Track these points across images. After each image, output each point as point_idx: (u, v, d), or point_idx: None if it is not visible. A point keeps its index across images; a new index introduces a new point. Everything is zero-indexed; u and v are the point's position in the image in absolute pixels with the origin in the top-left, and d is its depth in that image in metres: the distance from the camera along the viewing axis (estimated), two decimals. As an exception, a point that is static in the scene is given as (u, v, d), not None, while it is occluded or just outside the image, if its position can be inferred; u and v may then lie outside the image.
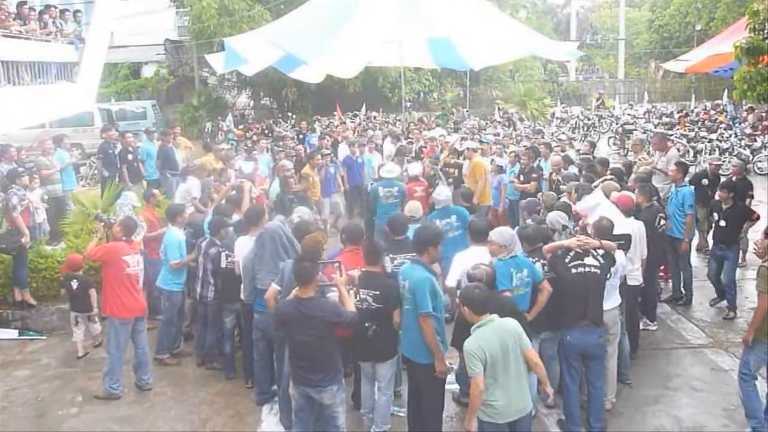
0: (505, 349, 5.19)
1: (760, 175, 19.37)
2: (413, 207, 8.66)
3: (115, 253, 7.52)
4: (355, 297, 6.16)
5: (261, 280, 6.94)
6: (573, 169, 11.16)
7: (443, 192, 9.52)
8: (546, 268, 6.72)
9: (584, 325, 6.37)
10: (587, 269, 6.40)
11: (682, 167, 10.09)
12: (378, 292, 6.18)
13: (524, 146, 13.74)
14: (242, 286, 7.28)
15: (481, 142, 15.27)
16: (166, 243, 8.35)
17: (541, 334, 6.73)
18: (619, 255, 6.79)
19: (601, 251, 6.48)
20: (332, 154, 14.49)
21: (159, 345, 8.36)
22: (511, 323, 5.34)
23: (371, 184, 11.71)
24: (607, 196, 8.01)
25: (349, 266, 6.48)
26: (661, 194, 10.34)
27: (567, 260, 6.47)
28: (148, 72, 35.00)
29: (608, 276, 6.60)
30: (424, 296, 5.79)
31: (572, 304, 6.43)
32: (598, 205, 7.48)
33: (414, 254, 6.49)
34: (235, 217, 8.43)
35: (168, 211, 8.84)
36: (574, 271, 6.42)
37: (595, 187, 8.48)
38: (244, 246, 7.39)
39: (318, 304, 5.61)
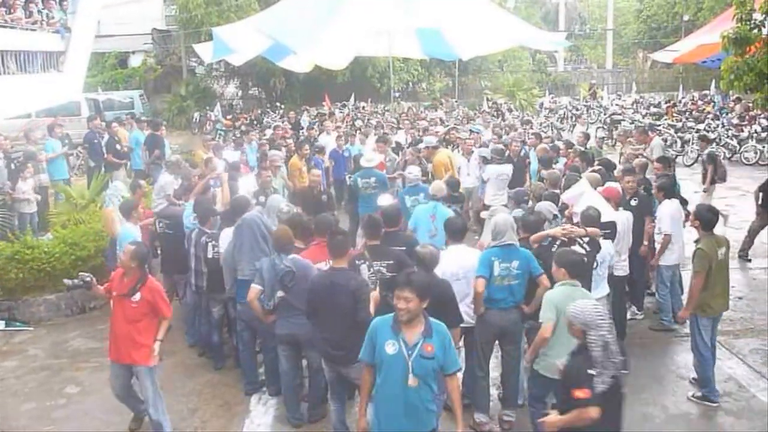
0: None
1: (747, 165, 19.51)
2: (437, 186, 8.87)
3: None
4: (368, 270, 6.38)
5: (241, 270, 6.98)
6: (563, 159, 11.22)
7: (414, 170, 10.08)
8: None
9: None
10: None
11: (665, 161, 10.07)
12: (391, 261, 6.42)
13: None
14: (224, 278, 7.28)
15: (471, 131, 15.27)
16: (122, 239, 7.84)
17: (526, 323, 6.75)
18: (605, 244, 6.81)
19: (586, 239, 6.54)
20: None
21: None
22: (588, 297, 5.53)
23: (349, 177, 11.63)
24: (593, 186, 8.06)
25: (317, 258, 6.60)
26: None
27: (554, 249, 6.48)
28: (135, 61, 34.86)
29: (594, 265, 6.63)
30: None
31: None
32: (583, 194, 7.52)
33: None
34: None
35: (121, 207, 8.42)
36: None
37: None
38: (228, 238, 7.39)
39: (345, 273, 5.75)
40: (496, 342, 6.56)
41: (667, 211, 8.36)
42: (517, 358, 6.63)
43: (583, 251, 6.43)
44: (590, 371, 4.52)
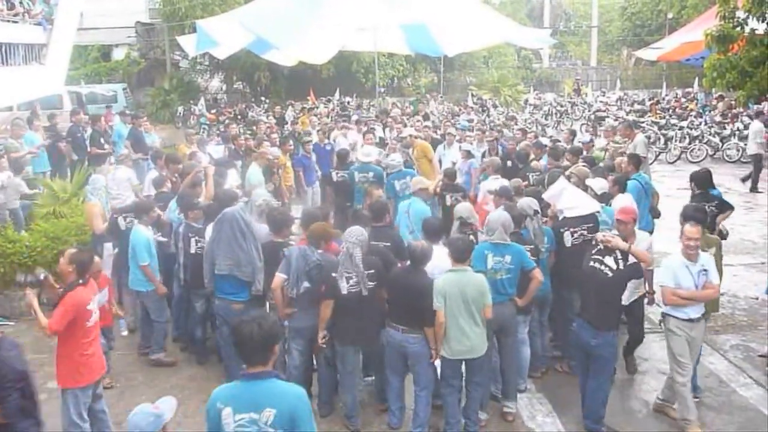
0: (464, 297, 5.89)
1: (729, 162, 19.67)
2: (419, 180, 8.84)
3: (81, 307, 5.61)
4: None
5: (218, 265, 6.97)
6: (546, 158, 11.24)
7: (396, 158, 10.74)
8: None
9: (584, 318, 6.35)
10: (599, 268, 6.16)
11: (635, 160, 9.84)
12: (389, 244, 6.76)
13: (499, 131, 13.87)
14: (204, 272, 7.26)
15: (460, 129, 15.29)
16: (134, 243, 7.77)
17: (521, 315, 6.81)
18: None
19: (628, 257, 6.14)
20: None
21: (155, 345, 8.02)
22: (480, 279, 6.01)
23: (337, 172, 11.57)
24: (582, 180, 8.09)
25: None
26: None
27: (593, 251, 6.33)
28: (118, 54, 34.57)
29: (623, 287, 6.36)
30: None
31: (581, 295, 6.61)
32: (564, 190, 7.54)
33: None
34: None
35: (137, 208, 8.20)
36: (589, 264, 6.29)
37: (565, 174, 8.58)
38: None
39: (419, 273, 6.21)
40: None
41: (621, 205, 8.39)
42: (514, 350, 6.73)
43: (613, 267, 6.08)
44: (333, 274, 6.08)
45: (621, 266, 6.08)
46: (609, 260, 6.12)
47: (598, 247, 6.26)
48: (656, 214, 9.56)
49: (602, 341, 6.18)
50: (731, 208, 8.74)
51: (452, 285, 5.91)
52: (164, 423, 3.73)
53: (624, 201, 8.42)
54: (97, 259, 6.66)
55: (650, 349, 8.20)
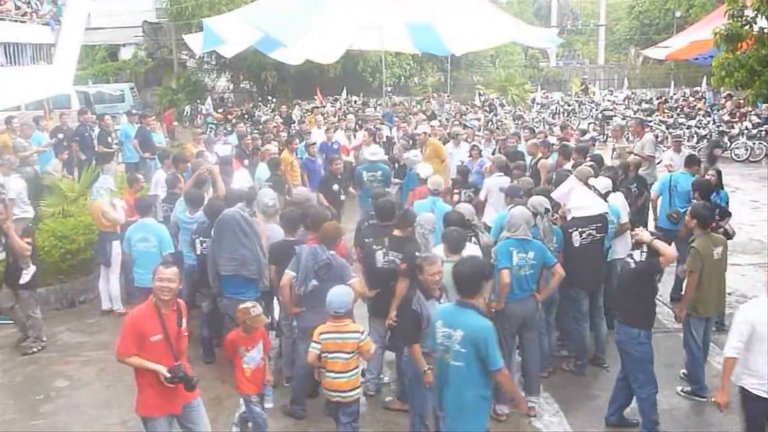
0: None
1: (737, 161, 19.59)
2: (436, 180, 8.78)
3: None
4: (383, 257, 6.74)
5: (222, 266, 6.98)
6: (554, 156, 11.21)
7: (417, 153, 11.01)
8: None
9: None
10: (627, 260, 6.46)
11: (694, 161, 9.80)
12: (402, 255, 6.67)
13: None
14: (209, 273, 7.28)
15: (465, 126, 15.28)
16: (160, 236, 7.95)
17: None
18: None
19: (646, 250, 6.19)
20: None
21: None
22: None
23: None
24: (583, 181, 8.06)
25: None
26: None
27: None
28: (126, 54, 34.74)
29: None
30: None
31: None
32: (573, 189, 7.52)
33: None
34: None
35: (138, 205, 8.31)
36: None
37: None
38: None
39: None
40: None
41: (620, 203, 8.40)
42: (536, 345, 6.81)
43: (632, 260, 6.29)
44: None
45: (642, 258, 6.21)
46: (636, 255, 6.26)
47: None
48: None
49: (624, 336, 6.26)
50: (729, 215, 8.88)
51: (444, 275, 5.89)
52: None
53: (617, 200, 8.39)
54: (255, 309, 5.95)
55: (657, 349, 8.12)
